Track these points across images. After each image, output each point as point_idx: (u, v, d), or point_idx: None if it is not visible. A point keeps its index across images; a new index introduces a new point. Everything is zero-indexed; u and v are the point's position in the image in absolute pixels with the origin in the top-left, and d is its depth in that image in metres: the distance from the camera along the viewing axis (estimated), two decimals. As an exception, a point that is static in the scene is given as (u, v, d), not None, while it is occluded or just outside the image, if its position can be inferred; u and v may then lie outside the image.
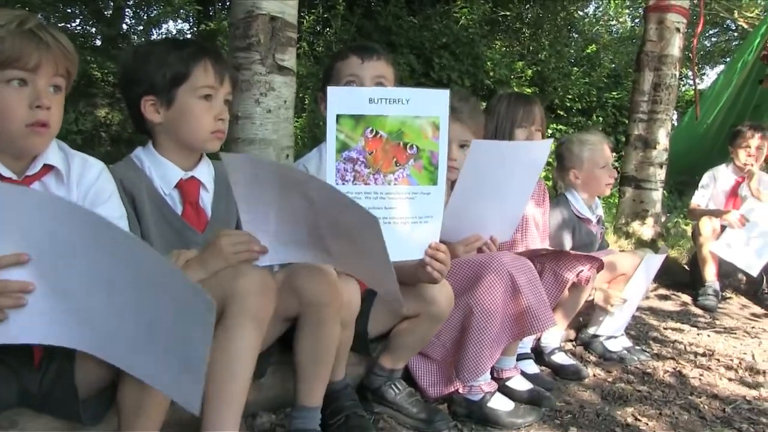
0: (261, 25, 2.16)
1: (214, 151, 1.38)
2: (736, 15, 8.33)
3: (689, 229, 4.11)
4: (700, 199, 3.62)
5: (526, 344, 2.03)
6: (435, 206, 1.29)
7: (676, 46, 4.17)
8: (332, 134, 1.21)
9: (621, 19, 11.76)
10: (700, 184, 3.65)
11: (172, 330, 0.92)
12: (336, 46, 6.64)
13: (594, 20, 11.41)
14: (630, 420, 1.72)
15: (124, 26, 7.41)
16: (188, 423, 1.34)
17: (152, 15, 7.52)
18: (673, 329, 2.75)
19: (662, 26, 4.15)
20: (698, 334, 2.71)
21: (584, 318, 2.38)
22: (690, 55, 4.94)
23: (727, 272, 3.38)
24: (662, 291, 3.47)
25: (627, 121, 4.61)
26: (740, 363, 2.31)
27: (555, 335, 2.15)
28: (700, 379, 2.12)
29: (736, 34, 11.10)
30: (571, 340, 2.41)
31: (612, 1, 10.92)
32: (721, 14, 9.30)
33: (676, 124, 6.96)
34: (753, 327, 2.93)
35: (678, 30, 4.17)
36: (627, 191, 4.31)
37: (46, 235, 0.90)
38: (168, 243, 1.31)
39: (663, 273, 3.39)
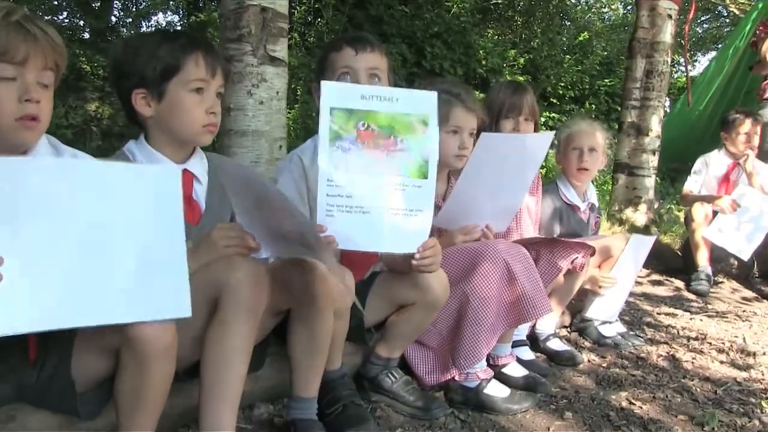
0: (252, 16, 2.14)
1: (206, 144, 1.38)
2: (727, 1, 8.32)
3: (682, 215, 4.14)
4: (692, 185, 3.64)
5: (522, 331, 2.04)
6: (425, 199, 1.31)
7: (668, 33, 4.17)
8: (325, 125, 1.25)
9: (613, 7, 11.73)
10: (692, 170, 3.67)
11: (150, 234, 1.00)
12: (327, 37, 6.60)
13: (586, 8, 11.39)
14: (624, 404, 1.74)
15: (113, 18, 7.33)
16: (185, 413, 1.35)
17: (141, 7, 7.44)
18: (667, 314, 2.78)
19: (654, 13, 4.15)
20: (691, 319, 2.74)
21: (578, 304, 2.40)
22: (682, 41, 4.95)
23: (719, 257, 3.40)
24: (655, 276, 3.50)
25: (620, 109, 4.62)
26: (731, 346, 2.34)
27: (550, 322, 2.16)
28: (692, 362, 2.14)
29: (727, 20, 11.09)
30: (565, 327, 2.43)
31: (604, -12, 10.90)
32: (713, 0, 9.29)
33: (668, 110, 6.98)
34: (744, 311, 2.97)
35: (670, 17, 4.17)
36: (620, 178, 4.33)
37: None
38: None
39: (656, 258, 3.43)
